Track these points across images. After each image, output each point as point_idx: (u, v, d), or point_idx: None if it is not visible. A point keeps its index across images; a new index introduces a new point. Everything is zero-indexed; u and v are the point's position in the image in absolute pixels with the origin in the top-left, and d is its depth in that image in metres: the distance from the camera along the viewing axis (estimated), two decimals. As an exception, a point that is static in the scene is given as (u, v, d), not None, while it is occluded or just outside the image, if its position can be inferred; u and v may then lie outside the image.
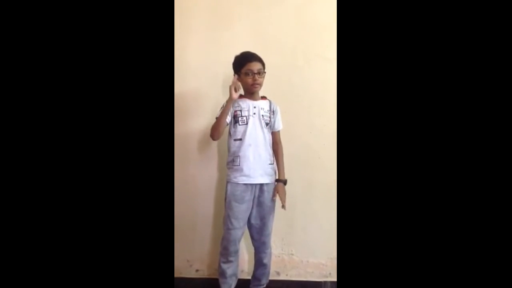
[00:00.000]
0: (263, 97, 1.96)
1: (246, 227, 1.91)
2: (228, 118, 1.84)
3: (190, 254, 2.20)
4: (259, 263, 1.96)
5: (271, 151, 1.93)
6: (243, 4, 2.16)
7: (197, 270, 2.22)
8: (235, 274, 1.90)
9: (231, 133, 1.88)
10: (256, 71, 1.83)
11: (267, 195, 1.88)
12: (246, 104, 1.87)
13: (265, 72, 1.88)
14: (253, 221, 1.90)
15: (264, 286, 2.01)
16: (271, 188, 1.91)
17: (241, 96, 1.89)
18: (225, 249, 1.85)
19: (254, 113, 1.87)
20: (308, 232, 2.17)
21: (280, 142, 2.00)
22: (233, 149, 1.87)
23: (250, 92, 1.87)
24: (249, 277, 2.05)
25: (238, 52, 1.88)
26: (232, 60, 1.89)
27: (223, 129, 1.85)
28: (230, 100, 1.79)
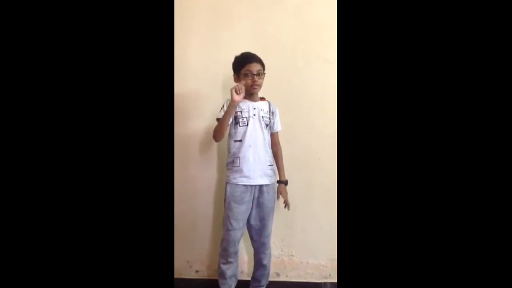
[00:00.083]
0: (262, 98, 1.96)
1: (245, 228, 1.90)
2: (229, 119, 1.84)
3: (190, 255, 2.20)
4: (259, 264, 1.96)
5: (270, 152, 1.93)
6: (243, 5, 2.16)
7: (196, 271, 2.22)
8: (234, 275, 1.90)
9: (231, 134, 1.88)
10: (255, 72, 1.82)
11: (267, 196, 1.88)
12: (246, 105, 1.87)
13: (264, 73, 1.88)
14: (252, 222, 1.89)
15: (264, 287, 2.01)
16: (271, 189, 1.91)
17: None
18: (224, 250, 1.85)
19: (254, 114, 1.87)
20: (308, 233, 2.17)
21: (279, 143, 2.01)
22: (233, 150, 1.87)
23: (250, 93, 1.87)
24: (249, 278, 2.05)
25: (238, 53, 1.88)
26: (232, 60, 1.89)
27: (225, 131, 1.85)
28: (233, 103, 1.76)
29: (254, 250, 1.96)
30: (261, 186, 1.87)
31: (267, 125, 1.91)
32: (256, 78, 1.83)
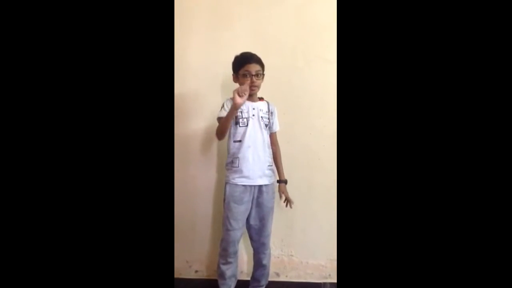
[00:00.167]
0: (261, 98, 1.96)
1: (245, 228, 1.90)
2: None
3: (189, 255, 2.20)
4: (259, 264, 1.96)
5: (270, 153, 1.93)
6: (243, 5, 2.16)
7: (196, 271, 2.21)
8: (234, 275, 1.90)
9: (231, 134, 1.88)
10: (253, 73, 1.82)
11: (266, 196, 1.88)
12: (246, 106, 1.86)
13: (263, 74, 1.88)
14: (252, 222, 1.89)
15: (264, 287, 2.01)
16: (270, 189, 1.91)
17: None
18: (224, 250, 1.85)
19: (253, 115, 1.87)
20: (308, 233, 2.17)
21: (278, 143, 2.01)
22: (232, 150, 1.87)
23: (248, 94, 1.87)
24: (249, 278, 2.05)
25: (238, 53, 1.88)
26: (232, 60, 1.89)
27: (227, 131, 1.84)
28: (235, 106, 1.73)
29: (254, 250, 1.96)
30: (260, 186, 1.87)
31: (266, 125, 1.91)
32: (254, 79, 1.82)
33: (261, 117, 1.89)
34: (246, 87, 1.72)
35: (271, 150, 1.94)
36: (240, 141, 1.84)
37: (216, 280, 1.92)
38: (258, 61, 1.85)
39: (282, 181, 1.99)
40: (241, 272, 2.15)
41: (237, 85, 1.80)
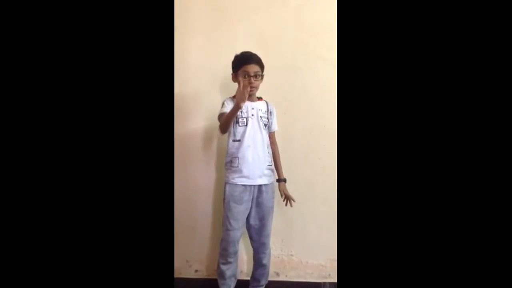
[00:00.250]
0: (259, 98, 1.96)
1: (245, 227, 1.90)
2: None
3: (189, 255, 2.20)
4: (259, 264, 1.96)
5: (269, 152, 1.93)
6: (243, 5, 2.16)
7: (196, 271, 2.22)
8: (234, 275, 1.90)
9: (231, 133, 1.87)
10: (252, 74, 1.82)
11: (266, 195, 1.88)
12: (245, 106, 1.85)
13: (263, 75, 1.88)
14: (252, 221, 1.89)
15: (263, 286, 2.01)
16: (270, 188, 1.91)
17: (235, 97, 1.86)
18: (224, 250, 1.85)
19: (253, 115, 1.87)
20: (308, 233, 2.17)
21: (276, 142, 2.01)
22: (231, 150, 1.87)
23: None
24: (248, 278, 2.05)
25: (238, 53, 1.88)
26: (232, 59, 1.89)
27: (231, 124, 1.83)
28: (237, 106, 1.72)
29: (254, 250, 1.96)
30: (260, 186, 1.87)
31: (265, 125, 1.91)
32: (252, 79, 1.82)
33: (260, 117, 1.89)
34: (244, 89, 1.70)
35: (270, 149, 1.95)
36: (239, 140, 1.84)
37: (216, 280, 1.92)
38: (258, 62, 1.85)
39: (281, 180, 1.99)
40: (241, 271, 2.15)
41: (236, 85, 1.80)
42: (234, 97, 1.85)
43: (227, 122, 1.80)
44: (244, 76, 1.81)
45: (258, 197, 1.87)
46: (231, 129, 1.86)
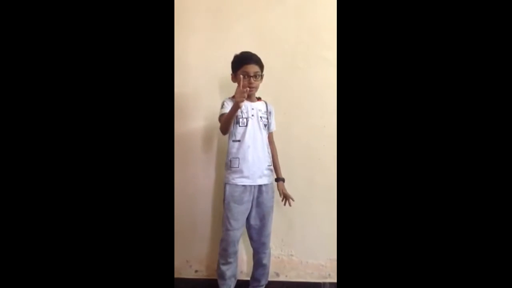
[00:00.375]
0: (258, 98, 1.96)
1: (245, 228, 1.90)
2: None
3: (189, 255, 2.20)
4: (259, 264, 1.96)
5: (268, 152, 1.93)
6: (243, 5, 2.16)
7: (196, 271, 2.21)
8: (234, 275, 1.90)
9: (231, 133, 1.87)
10: (251, 74, 1.82)
11: (266, 195, 1.88)
12: (245, 106, 1.86)
13: (262, 75, 1.88)
14: (252, 222, 1.89)
15: (263, 286, 2.00)
16: (270, 188, 1.92)
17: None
18: (224, 250, 1.85)
19: (252, 115, 1.88)
20: (308, 233, 2.17)
21: (274, 142, 2.01)
22: (232, 150, 1.87)
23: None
24: (248, 278, 2.05)
25: (238, 52, 1.88)
26: (232, 59, 1.89)
27: (232, 125, 1.83)
28: (236, 106, 1.70)
29: (254, 250, 1.96)
30: (260, 186, 1.87)
31: (265, 125, 1.91)
32: (252, 80, 1.82)
33: (260, 117, 1.89)
34: (243, 89, 1.68)
35: (269, 149, 1.95)
36: (239, 140, 1.84)
37: (216, 280, 1.92)
38: (257, 62, 1.85)
39: (280, 179, 1.98)
40: (241, 272, 2.15)
41: (235, 85, 1.80)
42: (233, 97, 1.85)
43: (227, 122, 1.80)
44: (243, 76, 1.81)
45: (258, 197, 1.87)
46: (232, 130, 1.86)
